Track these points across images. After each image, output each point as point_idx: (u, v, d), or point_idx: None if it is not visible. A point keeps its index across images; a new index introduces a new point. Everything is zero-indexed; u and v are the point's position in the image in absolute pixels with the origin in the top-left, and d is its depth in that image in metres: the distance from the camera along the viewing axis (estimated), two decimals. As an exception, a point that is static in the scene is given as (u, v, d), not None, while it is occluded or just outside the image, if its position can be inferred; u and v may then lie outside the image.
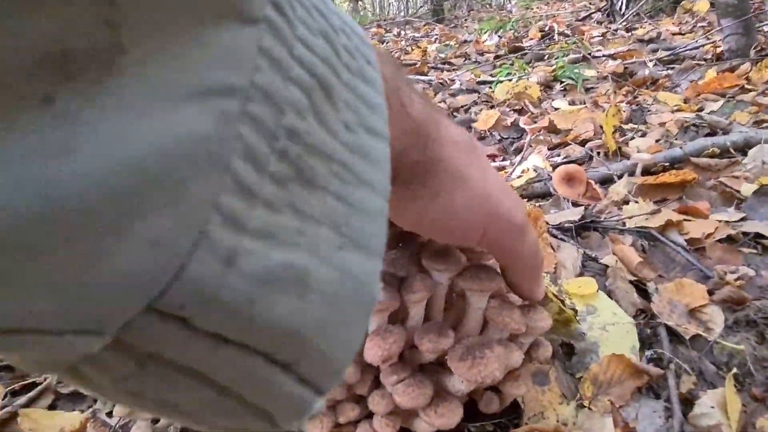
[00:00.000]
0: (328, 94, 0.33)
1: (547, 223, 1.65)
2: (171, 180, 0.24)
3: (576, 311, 1.15)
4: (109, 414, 1.49)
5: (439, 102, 3.96)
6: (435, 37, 8.41)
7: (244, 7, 0.27)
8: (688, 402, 1.09)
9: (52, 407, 1.52)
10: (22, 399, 1.49)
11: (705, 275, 1.45)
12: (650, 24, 5.97)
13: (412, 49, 6.39)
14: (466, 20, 13.10)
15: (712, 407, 1.05)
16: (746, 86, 3.13)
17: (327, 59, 0.33)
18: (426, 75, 4.77)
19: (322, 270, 0.32)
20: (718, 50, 3.80)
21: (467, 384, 0.90)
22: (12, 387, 1.51)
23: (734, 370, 1.15)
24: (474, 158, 0.69)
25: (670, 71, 3.76)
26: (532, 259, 0.83)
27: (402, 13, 18.47)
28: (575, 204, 1.86)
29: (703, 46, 3.99)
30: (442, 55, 5.74)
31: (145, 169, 0.23)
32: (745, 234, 1.64)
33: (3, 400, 1.46)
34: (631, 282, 1.39)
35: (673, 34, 5.23)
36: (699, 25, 5.66)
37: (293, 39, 0.30)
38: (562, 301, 1.12)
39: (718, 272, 1.43)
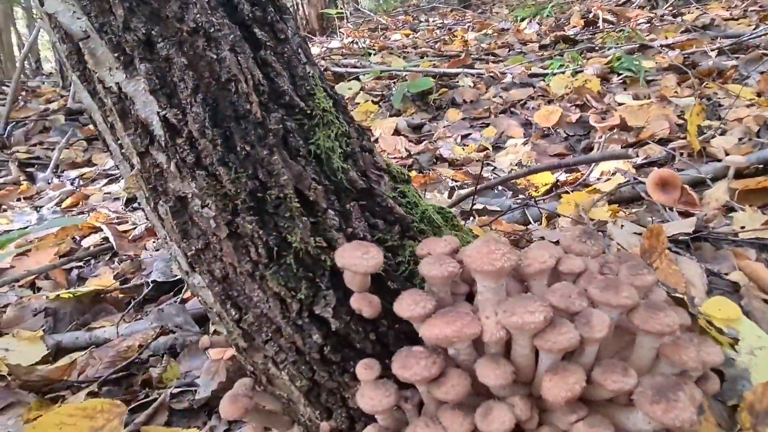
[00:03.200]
0: None
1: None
2: None
3: (737, 340, 1.11)
4: (228, 430, 1.50)
5: (492, 97, 3.90)
6: (468, 24, 8.26)
7: None
8: None
9: (167, 424, 1.53)
10: (141, 417, 1.50)
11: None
12: (698, 8, 5.79)
13: (451, 39, 6.29)
14: (494, 5, 12.85)
15: None
16: (824, 78, 3.02)
17: None
18: (473, 67, 4.69)
19: None
20: (784, 38, 3.67)
21: (655, 425, 0.87)
22: (131, 406, 1.52)
23: None
24: None
25: (734, 61, 3.63)
26: None
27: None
28: (680, 213, 1.81)
29: (765, 34, 3.85)
30: (484, 45, 5.64)
31: None
32: None
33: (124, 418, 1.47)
34: (765, 301, 1.35)
35: (725, 20, 5.06)
36: (750, 9, 5.47)
37: None
38: (720, 330, 1.09)
39: None
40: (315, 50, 6.92)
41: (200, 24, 0.98)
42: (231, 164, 1.01)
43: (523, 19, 7.16)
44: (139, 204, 3.12)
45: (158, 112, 0.99)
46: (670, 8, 5.95)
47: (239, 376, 1.58)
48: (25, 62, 11.90)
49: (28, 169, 3.98)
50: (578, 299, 0.93)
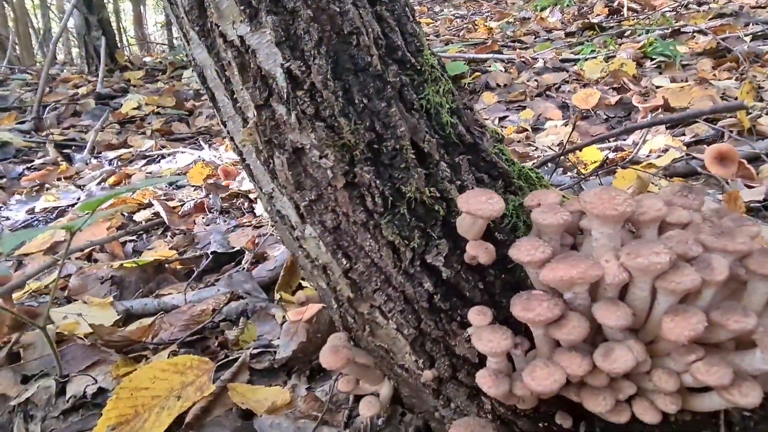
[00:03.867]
0: None
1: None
2: None
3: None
4: (310, 388, 1.54)
5: (526, 81, 3.92)
6: (486, 14, 8.27)
7: None
8: None
9: (249, 382, 1.57)
10: (226, 374, 1.54)
11: None
12: (724, -3, 5.78)
13: (474, 28, 6.30)
14: (507, -5, 12.81)
15: None
16: None
17: None
18: (501, 53, 4.71)
19: None
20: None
21: (775, 364, 0.91)
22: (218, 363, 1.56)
23: None
24: None
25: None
26: None
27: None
28: (745, 185, 1.84)
29: (800, 19, 3.85)
30: (509, 32, 5.65)
31: None
32: None
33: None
34: None
35: (753, 8, 5.06)
36: (777, -3, 5.45)
37: None
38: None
39: None
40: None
41: (325, -24, 1.01)
42: (350, 116, 1.04)
43: (543, 9, 7.16)
44: (185, 184, 3.13)
45: (282, 64, 1.02)
46: (695, -4, 5.93)
47: (318, 338, 1.63)
48: (38, 52, 11.92)
49: (64, 151, 4.03)
50: (695, 245, 0.97)
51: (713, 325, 0.94)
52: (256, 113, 1.08)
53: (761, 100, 2.86)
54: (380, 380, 1.36)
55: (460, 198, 1.00)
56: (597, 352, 0.97)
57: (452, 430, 1.11)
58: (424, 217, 1.09)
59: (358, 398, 1.40)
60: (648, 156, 2.46)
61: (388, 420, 1.42)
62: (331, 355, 1.22)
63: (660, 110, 2.83)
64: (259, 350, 1.66)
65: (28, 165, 3.74)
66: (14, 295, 2.01)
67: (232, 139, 1.22)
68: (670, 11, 5.63)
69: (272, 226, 2.17)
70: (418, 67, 1.12)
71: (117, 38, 6.97)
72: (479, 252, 1.03)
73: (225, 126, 1.23)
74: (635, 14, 5.73)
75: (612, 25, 5.07)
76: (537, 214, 1.03)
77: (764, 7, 5.08)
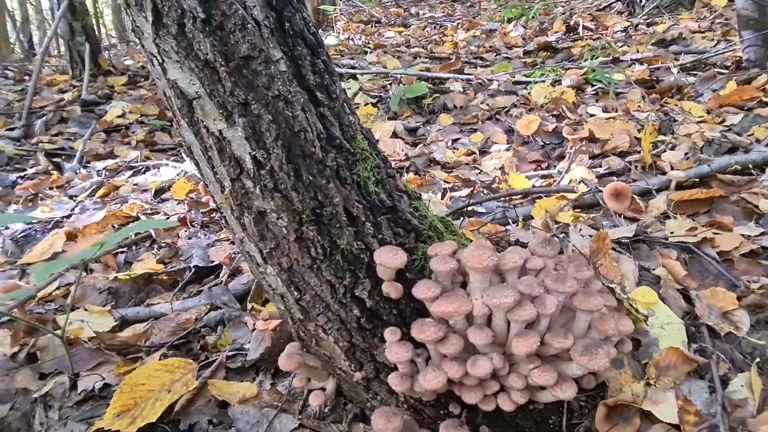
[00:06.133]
0: None
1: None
2: None
3: (647, 317, 1.59)
4: (273, 384, 1.94)
5: (480, 103, 4.33)
6: (458, 20, 8.65)
7: None
8: (724, 382, 1.53)
9: (225, 378, 1.97)
10: (206, 372, 1.94)
11: (733, 284, 1.88)
12: (670, 19, 6.26)
13: (441, 39, 6.69)
14: (482, -1, 13.20)
15: (742, 386, 1.50)
16: (764, 99, 3.50)
17: None
18: (463, 72, 5.11)
19: None
20: (737, 57, 4.15)
21: (583, 370, 1.34)
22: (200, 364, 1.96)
23: (757, 359, 1.59)
24: None
25: (693, 77, 4.11)
26: None
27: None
28: (626, 218, 2.28)
29: (724, 52, 4.33)
30: (473, 48, 6.06)
31: None
32: (764, 248, 2.07)
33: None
34: (677, 290, 1.82)
35: (693, 32, 5.53)
36: (717, 21, 5.95)
37: None
38: (636, 310, 1.56)
39: (744, 282, 1.86)
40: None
41: (281, 92, 1.39)
42: (299, 189, 1.43)
43: (510, 20, 7.56)
44: (169, 198, 3.46)
45: (249, 153, 1.41)
46: (646, 17, 6.40)
47: (281, 343, 2.03)
48: (16, 42, 11.91)
49: (54, 159, 4.33)
50: (537, 288, 1.39)
51: (545, 344, 1.37)
52: (230, 184, 1.47)
53: (673, 133, 3.32)
54: (326, 378, 1.77)
55: (375, 253, 1.41)
56: (468, 362, 1.39)
57: (375, 415, 1.53)
58: (353, 262, 1.49)
59: (310, 392, 1.81)
60: (569, 183, 2.88)
61: (333, 408, 1.83)
62: (286, 360, 1.63)
63: (585, 141, 3.26)
64: (233, 353, 2.06)
65: (21, 174, 4.04)
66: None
67: (212, 197, 1.61)
68: (622, 31, 6.09)
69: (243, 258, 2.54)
70: (352, 151, 1.51)
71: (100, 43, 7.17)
72: (390, 290, 1.44)
73: (207, 187, 1.61)
74: (590, 32, 6.16)
75: (566, 46, 5.50)
76: (432, 262, 1.44)
77: (703, 32, 5.55)
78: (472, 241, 1.78)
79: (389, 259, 1.38)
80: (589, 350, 1.31)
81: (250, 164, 1.42)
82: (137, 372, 1.81)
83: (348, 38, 7.10)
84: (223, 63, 1.35)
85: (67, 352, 1.90)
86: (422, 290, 1.40)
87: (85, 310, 2.31)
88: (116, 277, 2.50)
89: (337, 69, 5.44)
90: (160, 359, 1.98)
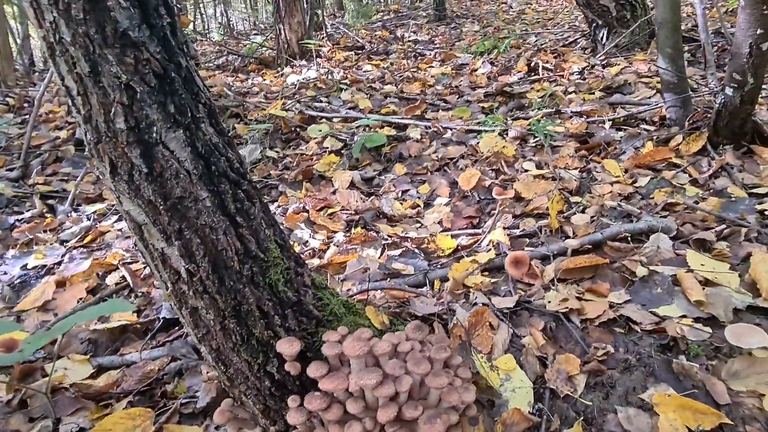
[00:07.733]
0: None
1: (494, 306, 2.54)
2: None
3: (503, 382, 2.05)
4: (217, 428, 2.41)
5: (433, 152, 4.78)
6: (437, 50, 9.11)
7: None
8: (554, 437, 2.00)
9: (179, 423, 2.44)
10: (162, 418, 2.41)
11: (584, 350, 2.35)
12: (626, 59, 6.70)
13: (414, 76, 7.14)
14: (467, 19, 13.68)
15: (566, 440, 1.96)
16: (673, 160, 3.95)
17: None
18: (424, 116, 5.57)
19: None
20: (663, 114, 4.60)
21: (428, 434, 1.80)
22: (158, 411, 2.43)
23: (581, 417, 2.05)
24: None
25: (624, 131, 4.56)
26: None
27: (407, 1, 18.95)
28: (522, 283, 2.74)
29: (653, 108, 4.77)
30: (440, 88, 6.51)
31: None
32: (620, 316, 2.53)
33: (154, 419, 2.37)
34: (537, 356, 2.28)
35: (639, 77, 5.95)
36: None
37: None
38: (498, 375, 2.02)
39: (592, 349, 2.32)
40: (293, 78, 7.73)
41: (207, 221, 1.86)
42: (222, 293, 1.90)
43: (481, 54, 8.00)
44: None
45: (184, 266, 1.87)
46: (603, 57, 6.84)
47: (224, 395, 2.50)
48: (19, 61, 12.36)
49: (48, 201, 4.79)
50: (399, 369, 1.85)
51: (402, 414, 1.83)
52: (171, 286, 1.94)
53: (590, 192, 3.77)
54: (254, 428, 2.24)
55: (277, 344, 1.88)
56: (345, 425, 1.85)
57: (284, 461, 1.99)
58: (265, 345, 1.96)
59: (243, 436, 2.26)
60: (488, 245, 3.33)
61: (261, 450, 2.30)
62: (218, 416, 2.10)
63: (510, 201, 3.71)
64: (186, 400, 2.53)
65: (19, 217, 4.52)
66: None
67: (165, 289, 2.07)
68: (578, 73, 6.53)
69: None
70: (265, 260, 1.98)
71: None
72: (291, 369, 1.91)
73: (157, 281, 2.08)
74: (549, 73, 6.61)
75: (522, 90, 5.94)
76: (323, 348, 1.90)
77: (650, 78, 5.98)
78: (369, 320, 2.24)
79: (286, 348, 1.85)
80: (431, 419, 1.77)
81: (185, 274, 1.88)
82: (106, 420, 2.28)
83: (328, 71, 7.57)
84: (162, 202, 1.81)
85: (49, 400, 2.37)
86: (312, 370, 1.86)
87: (68, 358, 2.78)
88: (95, 329, 2.97)
89: (309, 112, 5.91)
90: (126, 407, 2.45)
